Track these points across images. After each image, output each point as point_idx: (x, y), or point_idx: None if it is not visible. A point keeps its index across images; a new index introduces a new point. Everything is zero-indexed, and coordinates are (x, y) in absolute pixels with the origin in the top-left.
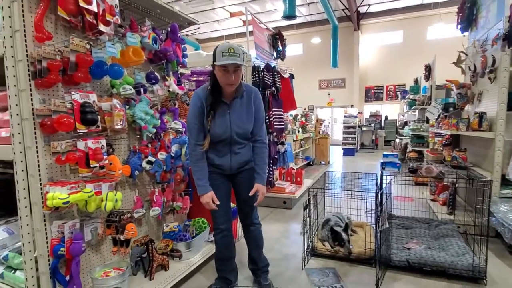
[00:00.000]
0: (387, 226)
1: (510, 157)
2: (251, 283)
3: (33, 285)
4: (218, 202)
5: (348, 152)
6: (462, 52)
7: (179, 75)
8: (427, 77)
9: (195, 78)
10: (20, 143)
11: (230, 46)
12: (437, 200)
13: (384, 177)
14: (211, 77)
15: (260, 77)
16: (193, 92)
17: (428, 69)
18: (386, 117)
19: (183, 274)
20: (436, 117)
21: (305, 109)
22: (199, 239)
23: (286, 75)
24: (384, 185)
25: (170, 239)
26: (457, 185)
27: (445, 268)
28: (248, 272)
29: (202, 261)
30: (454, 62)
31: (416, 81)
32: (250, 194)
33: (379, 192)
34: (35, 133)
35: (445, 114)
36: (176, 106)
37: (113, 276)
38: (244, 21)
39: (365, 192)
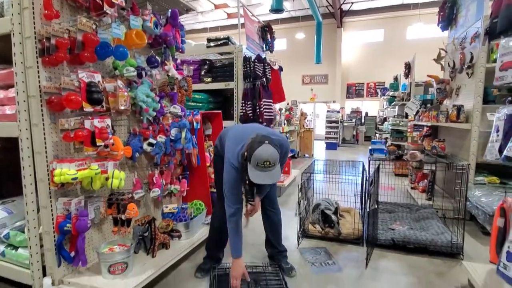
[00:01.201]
0: (375, 206)
1: (485, 147)
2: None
3: (38, 262)
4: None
5: (330, 146)
6: (442, 49)
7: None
8: (406, 75)
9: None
10: (26, 120)
11: (268, 158)
12: (417, 188)
13: (372, 162)
14: (243, 166)
15: (251, 68)
16: (190, 78)
17: (408, 67)
18: (366, 113)
19: (184, 252)
20: (414, 113)
21: (288, 103)
22: (198, 220)
23: (276, 67)
24: (372, 170)
25: (171, 219)
26: (436, 172)
27: (427, 245)
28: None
29: (200, 242)
30: (434, 59)
31: (396, 78)
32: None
33: (368, 175)
34: (41, 110)
35: (423, 109)
36: (175, 91)
37: (119, 251)
38: (228, 14)
39: (355, 176)
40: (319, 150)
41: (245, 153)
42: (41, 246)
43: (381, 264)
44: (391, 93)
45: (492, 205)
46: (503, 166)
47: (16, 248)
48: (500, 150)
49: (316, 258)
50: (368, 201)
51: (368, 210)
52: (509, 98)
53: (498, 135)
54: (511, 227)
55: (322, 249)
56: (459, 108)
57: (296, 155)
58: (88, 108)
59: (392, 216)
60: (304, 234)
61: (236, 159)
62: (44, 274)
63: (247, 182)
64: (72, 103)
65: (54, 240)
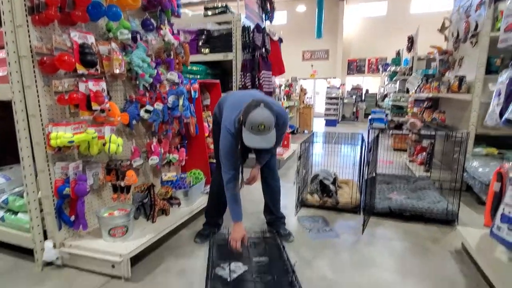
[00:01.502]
0: (374, 175)
1: (485, 118)
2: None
3: (38, 225)
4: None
5: (330, 123)
6: (446, 18)
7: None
8: (409, 49)
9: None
10: (18, 82)
11: (262, 121)
12: (415, 161)
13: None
14: (239, 132)
15: (250, 38)
16: (187, 44)
17: (411, 41)
18: (367, 90)
19: (183, 219)
20: (416, 88)
21: (288, 80)
22: (197, 188)
23: (276, 38)
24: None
25: (170, 187)
26: (434, 144)
27: (423, 213)
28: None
29: (199, 210)
30: (438, 29)
31: (398, 53)
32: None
33: (367, 143)
34: (34, 72)
35: (425, 83)
36: (172, 57)
37: (119, 215)
38: None
39: (354, 145)
40: (318, 126)
41: (241, 118)
42: (41, 210)
43: (377, 231)
44: (392, 69)
45: (489, 175)
46: (502, 137)
47: (15, 213)
48: (501, 114)
49: (313, 225)
50: (366, 168)
51: (366, 178)
52: None
53: (499, 99)
54: (507, 190)
55: (320, 218)
56: (461, 79)
57: (295, 131)
58: (82, 70)
59: (389, 187)
60: (302, 203)
61: (232, 125)
62: (45, 238)
63: (241, 147)
64: (65, 64)
65: (54, 204)
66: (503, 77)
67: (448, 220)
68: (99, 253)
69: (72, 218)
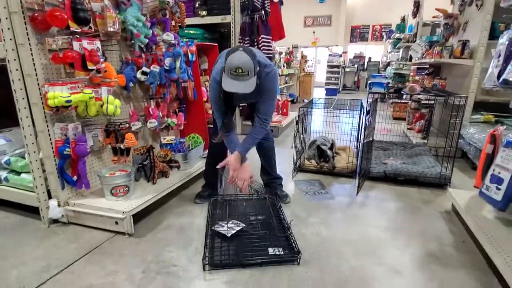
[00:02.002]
0: (370, 139)
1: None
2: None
3: (42, 185)
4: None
5: (330, 92)
6: None
7: None
8: (415, 14)
9: None
10: (11, 39)
11: (238, 64)
12: (413, 128)
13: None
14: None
15: None
16: (183, 4)
17: (417, 5)
18: (369, 58)
19: (183, 180)
20: (419, 55)
21: (288, 48)
22: (195, 152)
23: (276, 0)
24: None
25: (169, 149)
26: (433, 112)
27: (417, 177)
28: None
29: (198, 173)
30: None
31: (403, 19)
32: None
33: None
34: (26, 28)
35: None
36: (167, 17)
37: (120, 175)
38: None
39: (352, 110)
40: (318, 95)
41: (224, 66)
42: (44, 170)
43: (371, 193)
44: (396, 36)
45: (484, 141)
46: (502, 104)
47: (18, 173)
48: (499, 76)
49: (310, 188)
50: (364, 132)
51: (363, 142)
52: None
53: (499, 61)
54: (499, 152)
55: (317, 181)
56: (464, 43)
57: (295, 100)
58: (75, 27)
59: (386, 153)
60: (299, 168)
61: (218, 74)
62: (50, 197)
63: (222, 95)
64: (57, 20)
65: (55, 164)
66: (504, 38)
67: (441, 184)
68: (102, 210)
69: (75, 178)
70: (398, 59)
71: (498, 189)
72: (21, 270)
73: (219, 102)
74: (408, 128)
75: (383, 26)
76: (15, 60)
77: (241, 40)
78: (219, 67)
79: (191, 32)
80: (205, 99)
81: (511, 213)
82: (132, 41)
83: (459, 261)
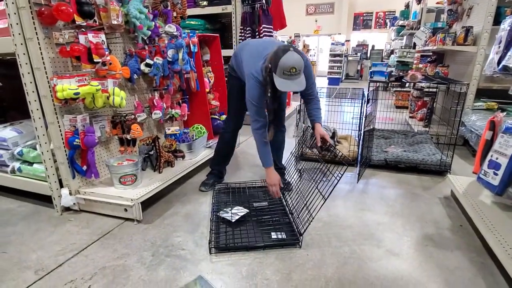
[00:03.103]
0: (372, 127)
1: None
2: None
3: (53, 174)
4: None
5: (333, 82)
6: None
7: None
8: (419, 0)
9: None
10: (20, 34)
11: (293, 64)
12: (415, 117)
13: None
14: (269, 81)
15: None
16: None
17: None
18: (373, 46)
19: (188, 169)
20: (423, 43)
21: (290, 37)
22: (200, 142)
23: None
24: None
25: (174, 140)
26: (435, 100)
27: (417, 164)
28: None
29: (202, 162)
30: None
31: (407, 5)
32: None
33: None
34: (34, 23)
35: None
36: (169, 8)
37: (127, 164)
38: None
39: (354, 99)
40: (321, 85)
41: (269, 65)
42: (55, 161)
43: (372, 180)
44: (400, 22)
45: None
46: (506, 91)
47: (31, 163)
48: (499, 62)
49: (311, 176)
50: (364, 120)
51: (363, 130)
52: None
53: (499, 47)
54: (497, 138)
55: (318, 169)
56: (468, 29)
57: None
58: (80, 21)
59: (387, 142)
60: (301, 157)
61: (260, 73)
62: (61, 186)
63: (270, 95)
64: (64, 14)
65: (66, 155)
66: (505, 24)
67: (441, 171)
68: (112, 198)
69: (84, 167)
70: (401, 46)
71: (496, 174)
72: (39, 254)
73: (262, 101)
74: (410, 117)
75: (387, 13)
76: (24, 54)
77: (242, 30)
78: (259, 65)
79: (192, 23)
80: (207, 89)
81: (507, 197)
82: (135, 34)
83: (455, 244)
